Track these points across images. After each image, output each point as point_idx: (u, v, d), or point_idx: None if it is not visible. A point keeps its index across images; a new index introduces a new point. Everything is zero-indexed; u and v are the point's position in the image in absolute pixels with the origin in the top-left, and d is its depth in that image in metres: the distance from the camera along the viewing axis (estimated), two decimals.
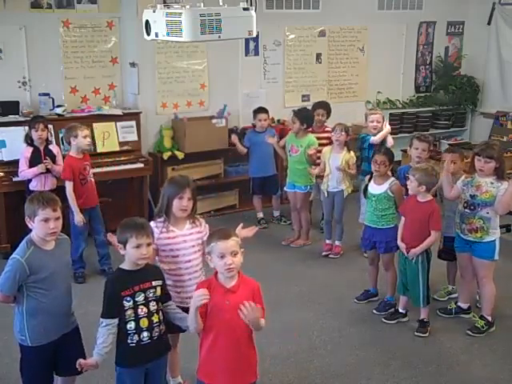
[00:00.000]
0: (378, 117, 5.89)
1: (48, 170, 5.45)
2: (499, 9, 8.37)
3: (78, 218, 5.21)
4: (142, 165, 6.34)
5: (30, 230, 5.31)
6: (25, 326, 3.14)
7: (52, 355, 3.22)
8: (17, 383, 3.88)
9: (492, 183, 4.29)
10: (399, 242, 4.52)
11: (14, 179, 5.63)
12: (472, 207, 4.35)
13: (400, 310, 4.69)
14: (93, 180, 5.41)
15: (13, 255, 3.09)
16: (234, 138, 6.67)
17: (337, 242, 5.99)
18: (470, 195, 4.35)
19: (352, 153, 5.79)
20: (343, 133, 5.70)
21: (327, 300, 5.05)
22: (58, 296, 3.15)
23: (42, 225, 3.03)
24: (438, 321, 4.67)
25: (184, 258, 3.39)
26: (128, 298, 3.00)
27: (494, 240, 4.37)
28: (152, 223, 3.40)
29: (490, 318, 4.52)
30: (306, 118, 6.15)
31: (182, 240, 3.39)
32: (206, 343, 2.98)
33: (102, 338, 2.99)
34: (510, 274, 5.38)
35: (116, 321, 2.99)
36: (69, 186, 5.18)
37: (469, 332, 4.48)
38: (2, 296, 3.12)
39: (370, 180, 4.88)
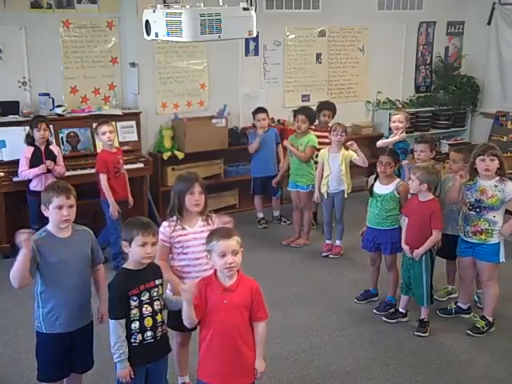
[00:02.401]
0: (400, 117, 5.76)
1: (49, 170, 5.47)
2: (499, 9, 8.37)
3: (113, 209, 5.41)
4: (141, 165, 6.34)
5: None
6: (40, 312, 3.19)
7: (67, 346, 3.23)
8: (17, 383, 3.90)
9: (496, 186, 4.27)
10: (403, 244, 4.51)
11: (14, 179, 5.63)
12: (478, 210, 4.33)
13: (400, 310, 4.69)
14: (125, 174, 5.66)
15: None
16: (257, 143, 6.55)
17: (337, 242, 5.99)
18: (476, 199, 4.33)
19: (350, 150, 5.79)
20: (344, 134, 5.70)
21: (327, 300, 5.05)
22: (71, 287, 3.16)
23: (55, 212, 3.12)
24: (438, 321, 4.66)
25: (193, 256, 3.40)
26: (134, 298, 3.00)
27: (499, 242, 4.35)
28: (165, 223, 3.46)
29: (490, 319, 4.52)
30: (314, 117, 6.18)
31: (193, 237, 3.41)
32: (205, 342, 2.99)
33: (120, 348, 2.98)
34: (511, 274, 5.38)
35: (124, 321, 2.99)
36: (103, 179, 5.40)
37: (469, 332, 4.48)
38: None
39: (375, 180, 4.87)
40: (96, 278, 3.35)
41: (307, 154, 6.01)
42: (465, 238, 4.45)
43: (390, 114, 6.19)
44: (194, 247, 3.42)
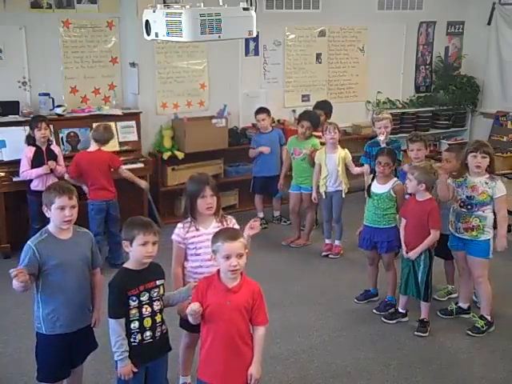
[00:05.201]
0: (385, 123, 5.67)
1: (51, 170, 5.47)
2: (499, 9, 8.38)
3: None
4: (142, 165, 6.35)
5: (31, 231, 5.35)
6: (40, 314, 3.19)
7: (67, 347, 3.23)
8: (17, 383, 3.91)
9: (487, 183, 4.32)
10: (402, 243, 4.52)
11: (14, 179, 5.63)
12: (469, 207, 4.37)
13: (400, 310, 4.69)
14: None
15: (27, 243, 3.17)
16: (267, 149, 6.56)
17: (336, 242, 5.99)
18: (467, 196, 4.37)
19: (346, 150, 5.79)
20: (336, 131, 5.70)
21: (327, 300, 5.05)
22: (71, 289, 3.16)
23: (57, 212, 3.12)
24: (438, 321, 4.66)
25: (205, 257, 3.37)
26: (134, 298, 3.00)
27: (489, 239, 4.40)
28: (179, 224, 3.46)
29: (489, 318, 4.52)
30: (319, 122, 6.16)
31: (206, 238, 3.37)
32: (206, 342, 2.98)
33: (121, 347, 2.98)
34: (510, 273, 5.39)
35: (124, 320, 2.99)
36: None
37: (469, 332, 4.48)
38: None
39: (372, 179, 4.87)
40: (92, 283, 3.32)
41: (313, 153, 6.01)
42: (456, 234, 4.49)
43: (372, 118, 6.07)
44: (207, 248, 3.37)
